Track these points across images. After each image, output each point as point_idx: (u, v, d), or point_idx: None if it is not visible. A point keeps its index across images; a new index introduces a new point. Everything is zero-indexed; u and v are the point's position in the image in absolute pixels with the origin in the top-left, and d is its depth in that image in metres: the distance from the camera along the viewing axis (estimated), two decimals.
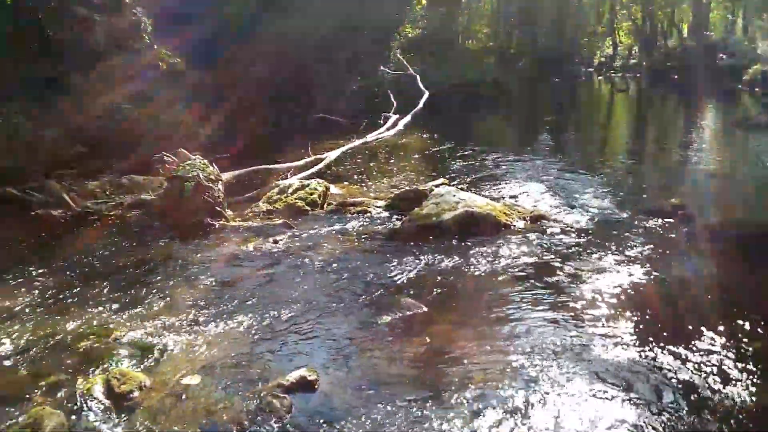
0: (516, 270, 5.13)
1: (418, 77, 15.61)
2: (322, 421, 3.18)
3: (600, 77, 33.05)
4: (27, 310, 4.56)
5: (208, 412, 3.26)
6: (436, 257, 5.42)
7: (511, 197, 7.59)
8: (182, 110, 11.07)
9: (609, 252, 5.47)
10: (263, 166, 8.88)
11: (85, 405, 3.25)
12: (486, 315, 4.38)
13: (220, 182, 7.01)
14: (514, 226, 6.19)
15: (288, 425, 3.14)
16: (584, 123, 17.61)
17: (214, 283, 5.08)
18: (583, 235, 6.00)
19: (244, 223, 6.71)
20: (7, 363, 3.80)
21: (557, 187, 8.08)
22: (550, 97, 23.39)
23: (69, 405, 3.26)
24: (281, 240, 6.10)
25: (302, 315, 4.45)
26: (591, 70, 35.10)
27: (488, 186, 8.31)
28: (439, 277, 5.00)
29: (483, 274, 5.05)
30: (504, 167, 9.68)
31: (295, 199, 7.29)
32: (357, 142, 10.64)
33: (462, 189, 6.98)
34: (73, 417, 3.16)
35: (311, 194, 7.40)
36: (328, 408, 3.31)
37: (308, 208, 7.17)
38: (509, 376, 3.54)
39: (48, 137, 8.61)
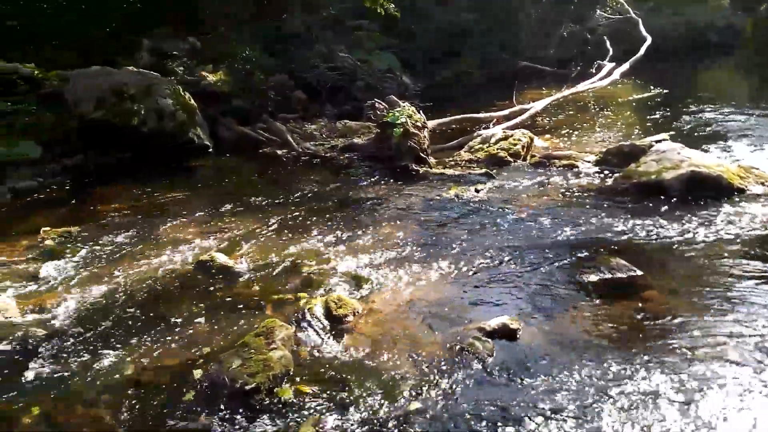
0: (749, 241, 4.53)
1: (640, 21, 14.16)
2: (521, 369, 3.17)
3: None
4: (258, 236, 5.15)
5: (413, 344, 3.44)
6: (654, 219, 4.99)
7: (747, 159, 6.67)
8: (393, 58, 11.43)
9: None
10: (466, 115, 8.86)
11: (307, 322, 3.62)
12: (709, 287, 3.95)
13: (425, 129, 7.17)
14: (750, 191, 5.44)
15: (489, 368, 3.19)
16: None
17: (417, 226, 5.26)
18: None
19: (446, 171, 6.82)
20: (243, 279, 4.35)
21: None
22: None
23: (294, 320, 3.64)
24: (482, 189, 6.09)
25: (503, 264, 4.43)
26: None
27: (717, 145, 7.40)
28: (656, 241, 4.62)
29: (709, 242, 4.54)
30: (737, 125, 8.51)
31: (498, 149, 7.19)
32: (566, 92, 10.08)
33: (686, 146, 6.27)
34: (298, 331, 3.53)
35: (514, 145, 7.23)
36: (528, 358, 3.28)
37: (511, 159, 7.03)
38: (728, 355, 3.17)
39: (275, 82, 9.48)
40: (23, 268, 4.53)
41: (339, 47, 11.00)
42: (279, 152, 7.90)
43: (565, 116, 9.57)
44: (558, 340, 3.45)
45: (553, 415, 2.80)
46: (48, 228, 5.16)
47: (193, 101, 7.86)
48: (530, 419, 2.78)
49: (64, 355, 3.41)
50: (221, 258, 4.56)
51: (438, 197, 5.94)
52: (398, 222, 5.35)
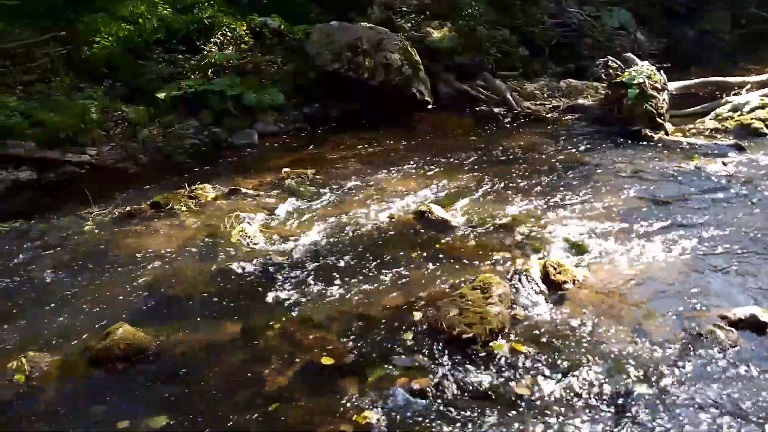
0: None
1: None
2: None
3: None
4: (473, 192, 5.15)
5: (639, 322, 3.19)
6: None
7: None
8: (626, 14, 10.50)
9: None
10: (712, 79, 7.83)
11: (523, 283, 3.54)
12: None
13: (664, 92, 6.49)
14: None
15: (731, 361, 2.84)
16: None
17: (647, 196, 4.84)
18: None
19: (685, 139, 6.15)
20: (458, 233, 4.40)
21: None
22: None
23: (510, 279, 3.59)
24: (731, 163, 5.38)
25: (751, 249, 3.90)
26: None
27: None
28: None
29: None
30: None
31: (753, 118, 6.28)
32: None
33: None
34: (514, 290, 3.47)
35: None
36: None
37: None
38: None
39: (497, 38, 9.26)
40: (268, 202, 5.09)
41: (568, 2, 10.35)
42: (497, 110, 7.77)
43: None
44: None
45: None
46: (288, 169, 5.72)
47: (417, 56, 8.02)
48: None
49: (299, 282, 3.78)
50: (438, 210, 4.65)
51: (674, 167, 5.37)
52: (625, 190, 4.96)
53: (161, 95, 6.96)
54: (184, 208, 4.95)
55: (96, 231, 4.67)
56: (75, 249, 4.39)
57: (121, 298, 3.69)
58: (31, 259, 4.29)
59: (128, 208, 4.96)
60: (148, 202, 5.01)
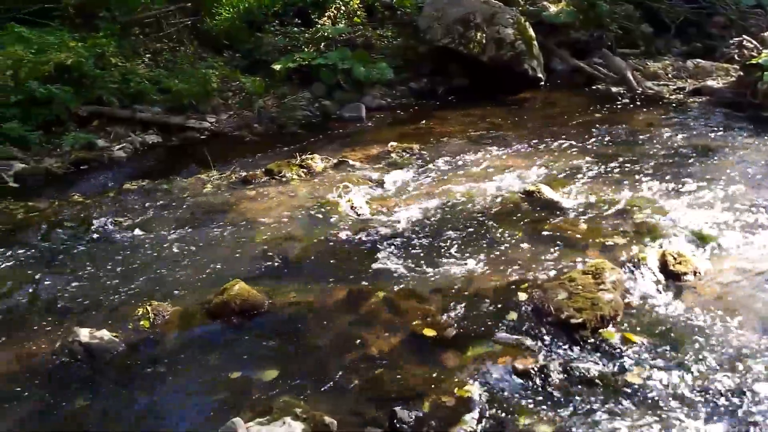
0: None
1: None
2: None
3: None
4: (584, 174, 4.96)
5: (765, 318, 2.96)
6: None
7: None
8: None
9: None
10: None
11: (639, 271, 3.37)
12: None
13: None
14: None
15: None
16: None
17: None
18: None
19: None
20: (568, 215, 4.24)
21: None
22: None
23: (624, 266, 3.42)
24: None
25: None
26: None
27: None
28: None
29: None
30: None
31: None
32: None
33: None
34: (628, 278, 3.31)
35: None
36: None
37: None
38: None
39: (619, 14, 8.77)
40: (374, 175, 5.16)
41: None
42: (614, 90, 7.39)
43: None
44: None
45: None
46: (395, 143, 5.76)
47: (531, 31, 7.77)
48: None
49: (403, 254, 3.81)
50: (547, 191, 4.52)
51: None
52: (756, 180, 4.58)
53: (277, 67, 7.21)
54: (295, 177, 5.13)
55: (215, 193, 4.97)
56: (195, 209, 4.68)
57: (237, 256, 3.90)
58: (155, 216, 4.62)
59: (244, 174, 5.22)
60: (263, 169, 5.24)
